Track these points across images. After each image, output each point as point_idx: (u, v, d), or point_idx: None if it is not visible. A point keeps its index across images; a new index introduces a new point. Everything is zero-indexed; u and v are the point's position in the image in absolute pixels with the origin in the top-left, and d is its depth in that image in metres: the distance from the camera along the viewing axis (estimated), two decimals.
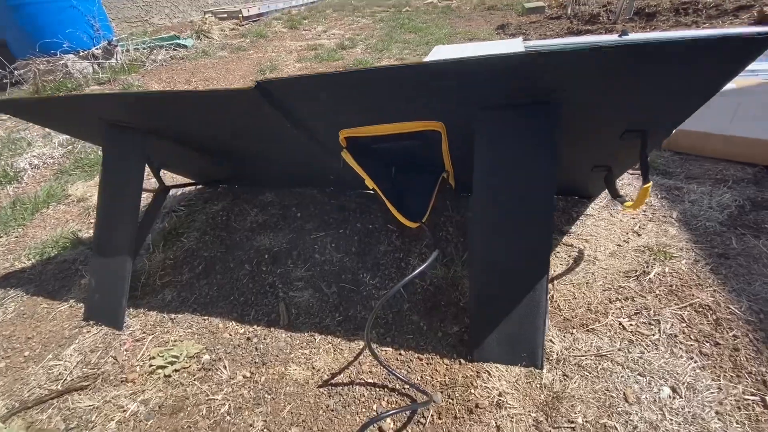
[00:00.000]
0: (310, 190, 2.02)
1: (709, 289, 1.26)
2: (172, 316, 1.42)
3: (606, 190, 1.71)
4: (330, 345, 1.25)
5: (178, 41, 5.53)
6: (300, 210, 1.90)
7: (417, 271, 1.03)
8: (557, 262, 1.44)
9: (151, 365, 1.23)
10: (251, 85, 0.98)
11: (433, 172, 1.35)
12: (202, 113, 1.21)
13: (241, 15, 7.31)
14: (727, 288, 1.25)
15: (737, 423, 0.92)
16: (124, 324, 1.40)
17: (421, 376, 1.12)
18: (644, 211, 1.62)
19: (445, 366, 1.13)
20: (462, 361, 1.13)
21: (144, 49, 5.12)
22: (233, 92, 1.01)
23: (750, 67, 0.90)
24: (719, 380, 1.01)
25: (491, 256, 1.08)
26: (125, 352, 1.30)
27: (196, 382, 1.18)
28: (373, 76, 0.93)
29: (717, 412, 0.94)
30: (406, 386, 1.08)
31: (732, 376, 1.02)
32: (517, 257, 1.07)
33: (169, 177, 2.15)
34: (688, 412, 0.95)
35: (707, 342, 1.11)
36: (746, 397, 0.97)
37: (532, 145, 1.01)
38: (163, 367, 1.21)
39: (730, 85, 2.48)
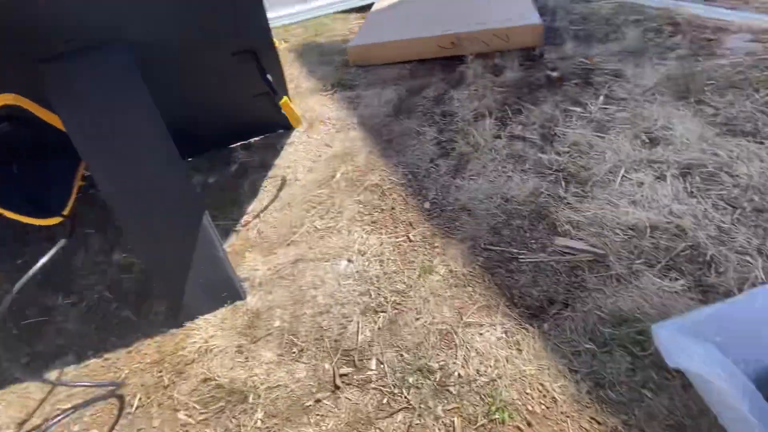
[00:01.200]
0: None
1: (377, 170, 1.52)
2: None
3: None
4: (14, 394, 1.02)
5: None
6: None
7: (32, 271, 0.88)
8: (265, 196, 1.50)
9: None
10: None
11: (71, 154, 1.15)
12: None
13: None
14: (390, 164, 1.54)
15: (392, 261, 1.18)
16: None
17: (130, 369, 1.03)
18: (333, 124, 1.82)
19: (155, 345, 1.07)
20: (174, 331, 1.09)
21: None
22: None
23: None
24: (382, 236, 1.26)
25: (139, 224, 1.02)
26: None
27: None
28: None
29: (379, 261, 1.18)
30: (99, 389, 0.98)
31: (391, 229, 1.29)
32: (163, 211, 1.03)
33: None
34: (357, 272, 1.15)
35: (376, 211, 1.36)
36: (397, 239, 1.24)
37: (119, 93, 0.93)
38: None
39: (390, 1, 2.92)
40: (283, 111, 1.30)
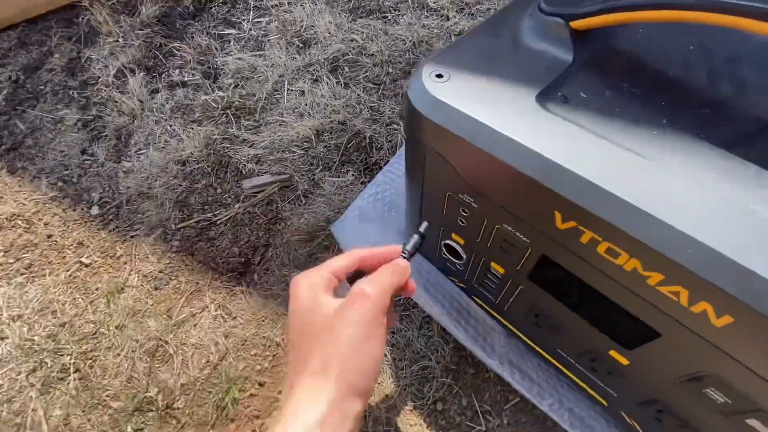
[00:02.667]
0: None
1: (8, 197, 1.10)
2: None
3: None
4: None
5: None
6: None
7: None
8: None
9: None
10: None
11: None
12: None
13: None
14: (27, 179, 1.13)
15: (69, 303, 0.91)
16: None
17: None
18: None
19: None
20: None
21: None
22: None
23: None
24: (46, 279, 0.95)
25: None
26: None
27: None
28: None
29: (51, 313, 0.90)
30: None
31: (56, 263, 0.98)
32: None
33: None
34: (17, 346, 0.85)
35: (25, 252, 1.00)
36: (68, 272, 0.96)
37: None
38: None
39: None
40: None
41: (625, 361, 0.51)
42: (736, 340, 0.36)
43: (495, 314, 0.71)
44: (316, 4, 1.46)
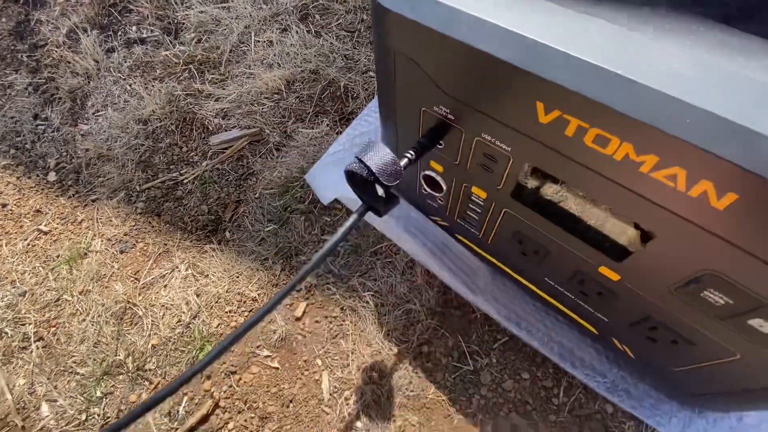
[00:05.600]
0: None
1: None
2: None
3: None
4: None
5: None
6: None
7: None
8: None
9: None
10: None
11: None
12: None
13: None
14: None
15: (29, 272, 0.85)
16: None
17: None
18: None
19: None
20: None
21: None
22: None
23: None
24: (2, 249, 0.89)
25: None
26: None
27: None
28: None
29: (10, 283, 0.84)
30: None
31: (13, 233, 0.91)
32: None
33: None
34: None
35: None
36: (26, 241, 0.89)
37: None
38: None
39: None
40: None
41: (615, 277, 0.47)
42: (739, 223, 0.32)
43: (479, 251, 0.67)
44: None
